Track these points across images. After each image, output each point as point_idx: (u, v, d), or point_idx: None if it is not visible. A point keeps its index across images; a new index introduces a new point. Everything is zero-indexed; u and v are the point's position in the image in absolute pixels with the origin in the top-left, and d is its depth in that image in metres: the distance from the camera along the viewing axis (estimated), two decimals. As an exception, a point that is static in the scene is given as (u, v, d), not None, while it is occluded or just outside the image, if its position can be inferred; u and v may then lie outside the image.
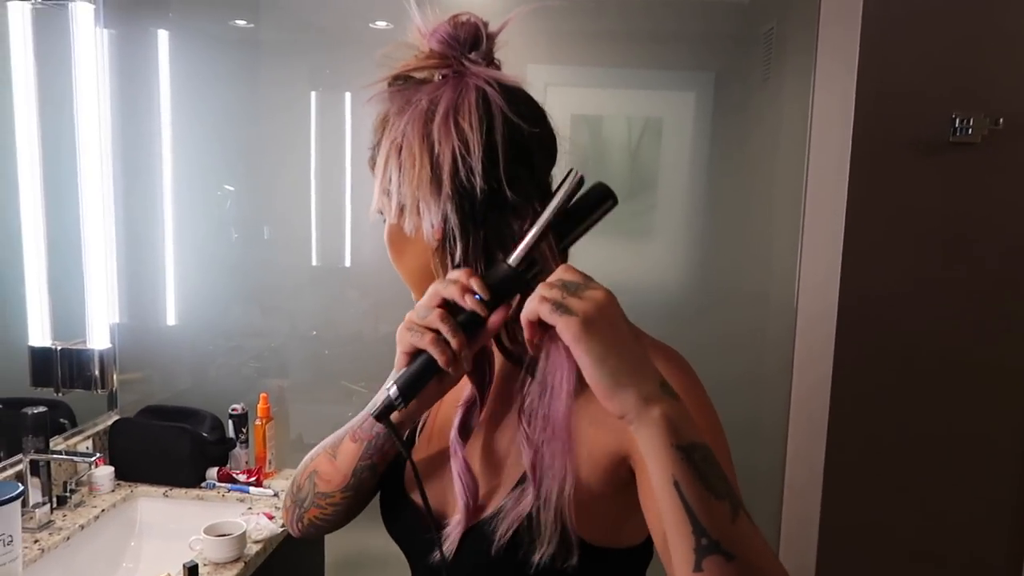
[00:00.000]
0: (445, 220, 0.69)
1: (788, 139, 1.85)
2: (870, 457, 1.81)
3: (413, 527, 0.80)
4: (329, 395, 2.03)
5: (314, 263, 2.02)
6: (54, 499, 1.56)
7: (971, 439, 1.81)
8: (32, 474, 1.51)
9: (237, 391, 1.94)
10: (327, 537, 1.88)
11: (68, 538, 1.49)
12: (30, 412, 1.51)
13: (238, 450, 1.85)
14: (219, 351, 2.03)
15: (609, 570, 0.73)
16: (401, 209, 0.72)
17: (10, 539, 1.28)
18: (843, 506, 1.82)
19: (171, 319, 1.99)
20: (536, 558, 0.68)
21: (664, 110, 1.92)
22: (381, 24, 1.93)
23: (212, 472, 1.78)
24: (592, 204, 0.70)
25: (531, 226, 0.68)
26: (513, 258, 0.68)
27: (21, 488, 1.32)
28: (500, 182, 0.68)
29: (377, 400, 0.74)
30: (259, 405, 1.87)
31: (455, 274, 0.69)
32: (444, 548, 0.74)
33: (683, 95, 1.92)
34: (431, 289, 0.69)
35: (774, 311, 1.91)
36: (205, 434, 1.79)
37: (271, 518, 1.58)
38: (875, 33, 1.70)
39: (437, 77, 0.72)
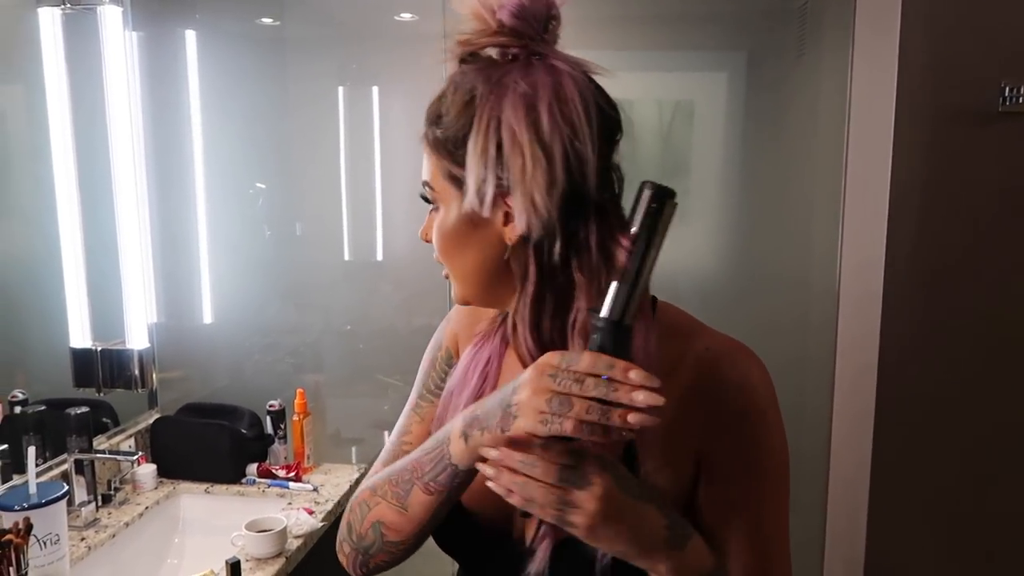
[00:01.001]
0: (555, 213, 0.64)
1: (826, 117, 1.79)
2: (920, 446, 1.75)
3: (480, 543, 0.77)
4: (365, 389, 2.04)
5: (347, 258, 2.03)
6: (99, 497, 1.59)
7: (1027, 424, 1.73)
8: (77, 473, 1.54)
9: (274, 387, 1.95)
10: (366, 531, 1.89)
11: (114, 535, 1.52)
12: (73, 412, 1.54)
13: (277, 446, 1.87)
14: (255, 348, 2.04)
15: None
16: (495, 198, 0.65)
17: (57, 538, 1.30)
18: (892, 497, 1.76)
19: (208, 317, 2.01)
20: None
21: (695, 92, 1.88)
22: (406, 16, 1.91)
23: (252, 468, 1.79)
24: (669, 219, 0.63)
25: (633, 270, 0.62)
26: (613, 312, 0.61)
27: (66, 488, 1.35)
28: (594, 177, 0.65)
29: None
30: (296, 401, 1.88)
31: (612, 370, 0.59)
32: (535, 568, 0.70)
33: (714, 76, 1.87)
34: (554, 389, 0.60)
35: (815, 295, 1.86)
36: (244, 430, 1.81)
37: (311, 513, 1.59)
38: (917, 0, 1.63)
39: (494, 54, 0.68)
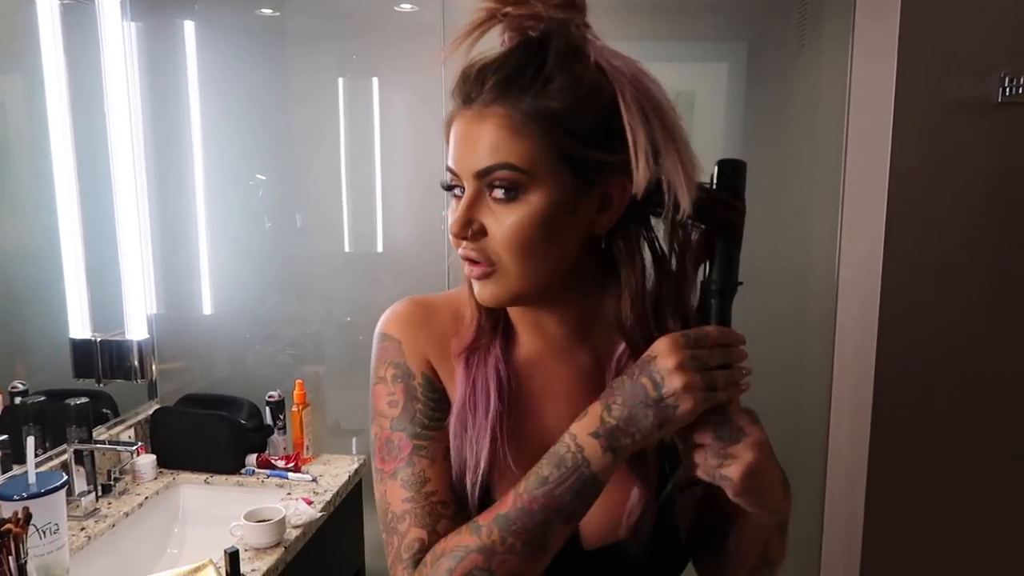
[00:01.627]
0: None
1: (826, 108, 1.78)
2: (919, 443, 1.74)
3: None
4: (365, 381, 2.01)
5: (347, 249, 2.02)
6: (99, 487, 1.60)
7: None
8: (77, 463, 1.54)
9: (274, 378, 1.96)
10: (366, 521, 1.90)
11: (113, 525, 1.53)
12: (73, 403, 1.55)
13: (276, 436, 1.87)
14: (255, 339, 2.05)
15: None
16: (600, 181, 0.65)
17: (57, 527, 1.31)
18: (890, 494, 1.76)
19: (207, 308, 2.01)
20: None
21: (696, 83, 1.87)
22: (406, 7, 1.91)
23: (251, 459, 1.80)
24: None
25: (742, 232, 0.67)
26: (733, 275, 0.67)
27: (66, 478, 1.35)
28: None
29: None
30: (295, 392, 1.88)
31: (730, 337, 0.65)
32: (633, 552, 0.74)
33: (715, 66, 1.86)
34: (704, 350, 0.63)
35: (814, 291, 1.85)
36: (243, 421, 1.82)
37: (310, 503, 1.59)
38: (917, -10, 1.62)
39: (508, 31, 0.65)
